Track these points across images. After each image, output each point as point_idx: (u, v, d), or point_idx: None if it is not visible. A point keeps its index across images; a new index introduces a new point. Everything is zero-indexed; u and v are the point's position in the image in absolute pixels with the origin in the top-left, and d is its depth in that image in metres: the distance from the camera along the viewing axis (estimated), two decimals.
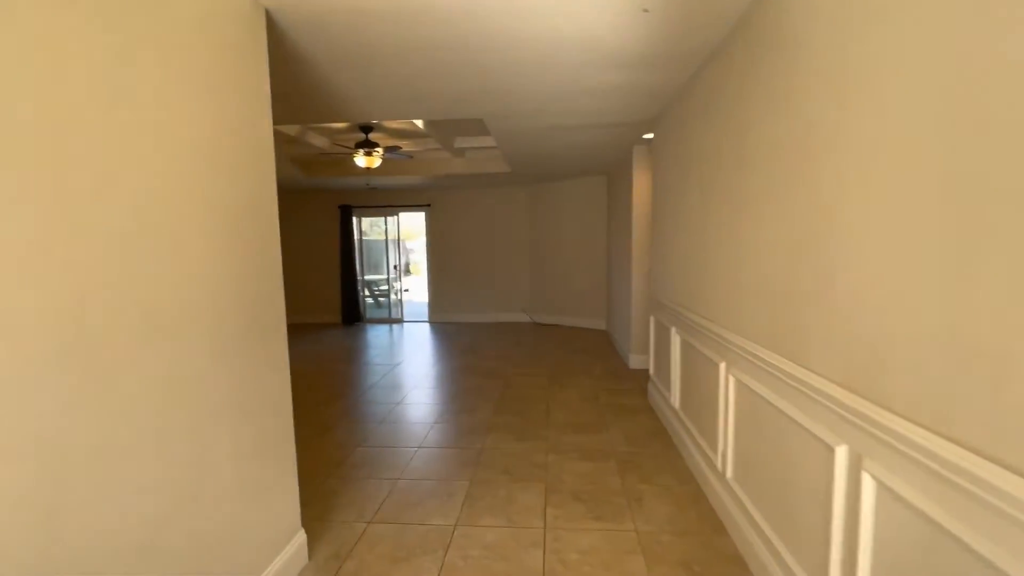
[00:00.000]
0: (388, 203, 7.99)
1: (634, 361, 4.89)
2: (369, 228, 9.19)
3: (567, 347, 5.95)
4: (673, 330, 3.13)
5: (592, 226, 7.00)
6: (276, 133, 4.86)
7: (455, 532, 2.19)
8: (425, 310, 8.29)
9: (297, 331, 7.38)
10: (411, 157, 5.33)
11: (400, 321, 8.23)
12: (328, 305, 8.21)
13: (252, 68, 1.71)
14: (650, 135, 4.16)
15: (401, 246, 16.65)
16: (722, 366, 2.23)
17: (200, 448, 1.44)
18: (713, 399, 2.35)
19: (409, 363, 5.39)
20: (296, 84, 2.75)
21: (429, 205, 7.90)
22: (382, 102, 3.12)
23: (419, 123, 4.57)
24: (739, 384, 2.07)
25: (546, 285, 7.61)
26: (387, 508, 2.40)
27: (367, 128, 4.92)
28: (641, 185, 4.73)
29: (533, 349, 5.89)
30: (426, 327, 7.72)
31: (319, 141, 5.20)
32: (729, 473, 2.17)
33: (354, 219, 8.05)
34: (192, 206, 1.41)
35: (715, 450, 2.33)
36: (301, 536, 1.98)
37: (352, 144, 4.94)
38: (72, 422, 1.05)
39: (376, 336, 7.08)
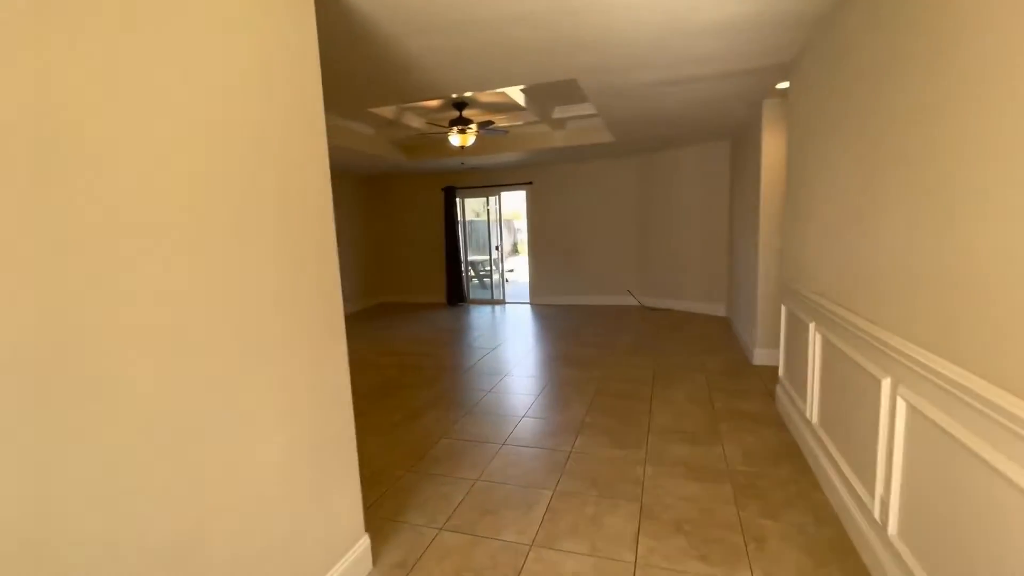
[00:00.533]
0: (489, 183, 7.87)
1: (759, 356, 4.18)
2: (481, 208, 9.20)
3: (678, 335, 5.34)
4: (812, 326, 2.49)
5: (711, 199, 6.18)
6: (374, 116, 4.92)
7: (529, 554, 1.93)
8: (528, 291, 8.11)
9: (403, 311, 7.66)
10: (507, 133, 5.07)
11: (502, 303, 8.16)
12: (433, 286, 8.41)
13: (291, 16, 1.53)
14: (785, 84, 3.39)
15: (508, 226, 16.67)
16: (885, 383, 1.64)
17: (236, 455, 1.33)
18: (870, 424, 1.76)
19: (506, 347, 5.23)
20: (366, 58, 2.60)
21: (531, 183, 7.62)
22: (460, 68, 2.86)
23: (514, 95, 4.26)
24: (914, 413, 1.49)
25: (657, 265, 6.95)
26: (461, 514, 2.21)
27: (460, 105, 4.74)
28: (772, 147, 3.95)
29: (639, 337, 5.38)
30: (528, 309, 7.54)
31: (416, 122, 5.16)
32: (892, 528, 1.61)
33: (457, 200, 8.07)
34: (216, 181, 1.26)
35: (871, 492, 1.75)
36: (364, 541, 1.86)
37: (446, 123, 4.81)
38: (68, 430, 0.95)
39: (477, 317, 7.06)
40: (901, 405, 1.55)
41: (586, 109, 4.94)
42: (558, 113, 5.10)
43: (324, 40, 2.37)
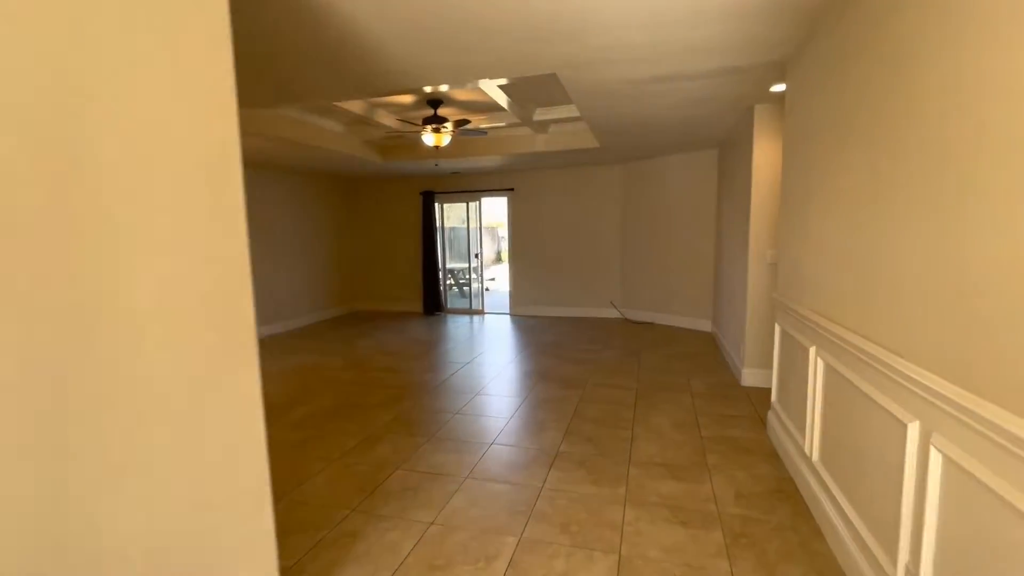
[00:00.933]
0: (470, 188, 7.57)
1: (749, 377, 3.92)
2: (463, 215, 8.85)
3: (663, 352, 5.07)
4: (812, 350, 2.23)
5: (698, 209, 5.97)
6: (344, 113, 4.58)
7: None
8: (508, 301, 7.79)
9: (376, 319, 7.28)
10: (485, 134, 4.78)
11: (481, 313, 7.83)
12: (410, 294, 8.05)
13: None
14: (780, 86, 3.16)
15: (492, 234, 16.30)
16: (912, 429, 1.37)
17: (81, 517, 0.98)
18: (890, 476, 1.48)
19: (480, 362, 4.90)
20: (322, 40, 2.28)
21: (512, 189, 7.34)
22: (427, 55, 2.56)
23: (493, 94, 3.97)
24: (953, 468, 1.21)
25: (641, 277, 6.71)
26: (408, 569, 1.87)
27: (435, 102, 4.44)
28: (765, 155, 3.72)
29: (621, 352, 5.10)
30: (507, 320, 7.22)
31: (388, 120, 4.84)
32: None
33: (436, 205, 7.75)
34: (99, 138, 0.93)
35: (892, 557, 1.47)
36: None
37: (420, 121, 4.50)
38: None
39: (454, 328, 6.72)
40: (935, 458, 1.27)
41: (569, 111, 4.68)
42: (540, 115, 4.83)
43: (277, 23, 2.06)
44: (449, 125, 4.34)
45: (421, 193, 7.69)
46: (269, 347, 5.68)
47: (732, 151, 4.76)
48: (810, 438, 2.24)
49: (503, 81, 3.53)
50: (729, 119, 4.17)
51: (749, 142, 3.87)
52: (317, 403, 3.76)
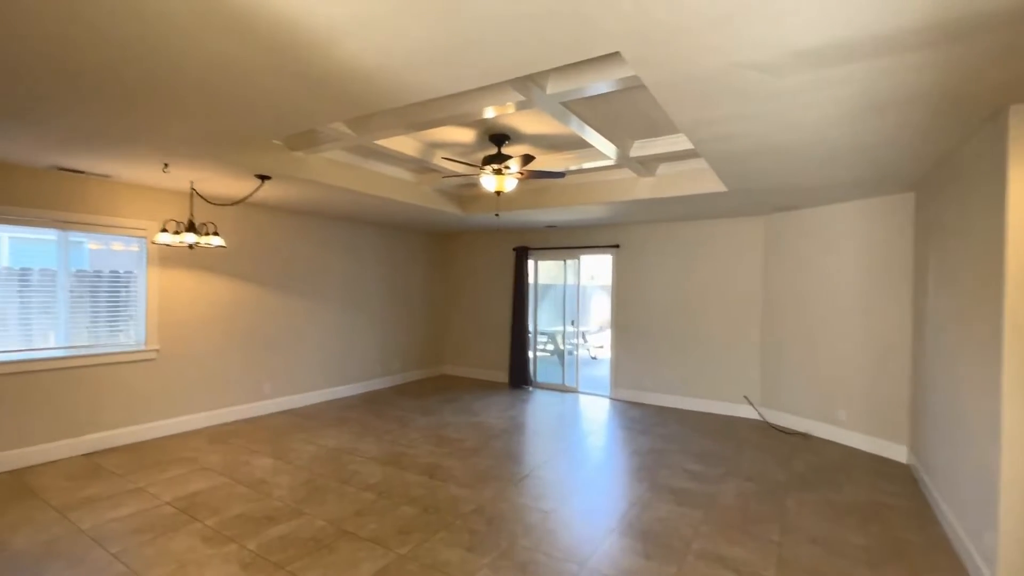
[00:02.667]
0: (569, 244, 6.52)
1: None
2: (561, 274, 7.82)
3: (825, 495, 3.27)
4: None
5: (880, 282, 4.12)
6: (401, 157, 3.88)
7: None
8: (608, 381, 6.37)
9: (456, 389, 6.37)
10: (562, 176, 3.74)
11: (575, 391, 6.51)
12: (499, 361, 7.09)
13: None
14: None
15: (610, 292, 14.91)
16: None
17: None
18: None
19: (539, 479, 3.62)
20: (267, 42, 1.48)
21: (617, 246, 6.11)
22: (410, 39, 1.63)
23: (563, 118, 2.95)
24: None
25: (791, 367, 4.87)
26: None
27: (500, 138, 3.56)
28: None
29: (755, 485, 3.41)
30: (605, 405, 5.81)
31: (450, 165, 4.08)
32: None
33: (530, 262, 6.82)
34: None
35: None
36: None
37: (480, 162, 3.64)
38: None
39: (534, 413, 5.51)
40: None
41: (678, 141, 3.45)
42: (639, 149, 3.67)
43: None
44: (513, 165, 3.40)
45: (514, 249, 6.85)
46: (321, 415, 5.07)
47: (947, 193, 3.03)
48: None
49: (572, 88, 2.51)
50: (942, 137, 2.57)
51: (998, 172, 2.24)
52: (303, 520, 2.84)
